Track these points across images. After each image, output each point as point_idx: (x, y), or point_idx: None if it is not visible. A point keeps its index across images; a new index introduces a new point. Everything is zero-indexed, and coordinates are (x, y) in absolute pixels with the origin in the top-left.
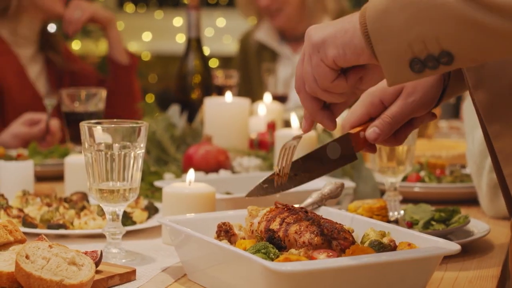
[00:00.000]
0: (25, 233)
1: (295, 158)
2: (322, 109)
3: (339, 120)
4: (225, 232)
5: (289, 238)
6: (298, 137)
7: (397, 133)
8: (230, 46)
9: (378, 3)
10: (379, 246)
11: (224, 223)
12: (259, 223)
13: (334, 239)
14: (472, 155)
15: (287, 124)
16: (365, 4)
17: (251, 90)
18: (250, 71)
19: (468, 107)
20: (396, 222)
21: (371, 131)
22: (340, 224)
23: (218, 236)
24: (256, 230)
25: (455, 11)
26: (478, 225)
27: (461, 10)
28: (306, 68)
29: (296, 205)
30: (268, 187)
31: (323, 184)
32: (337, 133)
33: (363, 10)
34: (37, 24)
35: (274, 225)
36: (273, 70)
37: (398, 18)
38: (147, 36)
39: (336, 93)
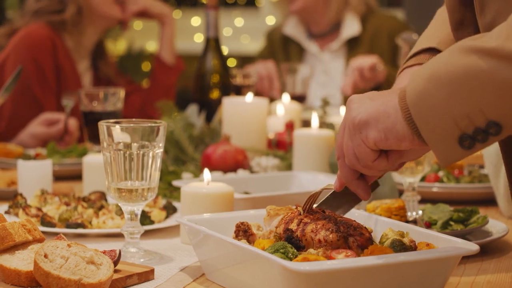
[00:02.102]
0: (43, 232)
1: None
2: (358, 178)
3: None
4: (244, 232)
5: (306, 237)
6: (326, 189)
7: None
8: (248, 45)
9: (416, 85)
10: (401, 247)
11: (242, 223)
12: (276, 227)
13: (351, 236)
14: (489, 155)
15: (305, 123)
16: (403, 86)
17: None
18: (276, 66)
19: None
20: (414, 222)
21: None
22: (357, 222)
23: (237, 236)
24: (276, 233)
25: (492, 77)
26: (496, 226)
27: (497, 75)
28: (347, 143)
29: (314, 205)
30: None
31: None
32: None
33: (402, 94)
34: (98, 34)
35: (292, 226)
36: (293, 70)
37: (438, 97)
38: None
39: (375, 170)
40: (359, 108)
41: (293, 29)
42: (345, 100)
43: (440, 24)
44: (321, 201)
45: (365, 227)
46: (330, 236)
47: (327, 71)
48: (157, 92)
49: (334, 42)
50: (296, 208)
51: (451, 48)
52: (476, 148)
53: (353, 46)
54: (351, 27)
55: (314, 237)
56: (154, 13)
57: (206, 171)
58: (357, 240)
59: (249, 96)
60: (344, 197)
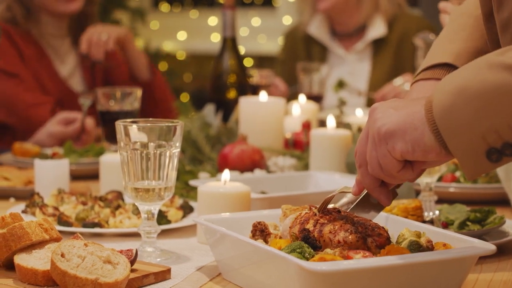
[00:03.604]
0: (60, 232)
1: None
2: (380, 185)
3: None
4: (261, 232)
5: (324, 238)
6: (343, 193)
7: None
8: (265, 45)
9: (444, 99)
10: (417, 248)
11: (259, 223)
12: (290, 227)
13: (369, 236)
14: None
15: (322, 123)
16: (428, 96)
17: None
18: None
19: None
20: (431, 222)
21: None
22: (374, 222)
23: (253, 235)
24: (291, 235)
25: None
26: None
27: None
28: (372, 153)
29: (330, 206)
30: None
31: None
32: None
33: (428, 106)
34: (60, 21)
35: (309, 227)
36: (309, 70)
37: (467, 111)
38: (182, 36)
39: (400, 179)
40: (384, 118)
41: (317, 29)
42: (367, 103)
43: (454, 34)
44: (341, 204)
45: (383, 227)
46: (350, 237)
47: (353, 72)
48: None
49: (359, 42)
50: (310, 208)
51: (478, 62)
52: (503, 161)
53: (379, 47)
54: (377, 28)
55: (333, 238)
56: (121, 37)
57: (226, 171)
58: (376, 240)
59: (266, 96)
60: (367, 205)
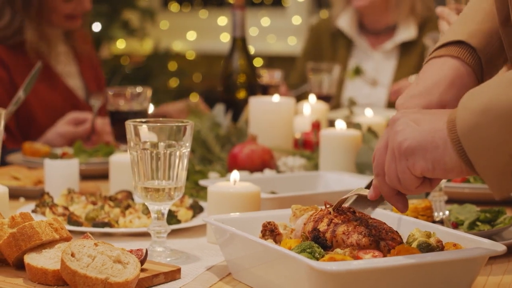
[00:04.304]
0: (70, 231)
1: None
2: (397, 194)
3: None
4: (270, 232)
5: (337, 239)
6: (359, 195)
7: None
8: (275, 45)
9: (468, 118)
10: (427, 248)
11: (269, 223)
12: (305, 224)
13: (382, 240)
14: None
15: (331, 123)
16: (451, 115)
17: None
18: (322, 60)
19: None
20: (441, 222)
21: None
22: (388, 225)
23: (263, 236)
24: (303, 231)
25: None
26: None
27: None
28: (391, 166)
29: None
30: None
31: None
32: None
33: (451, 124)
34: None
35: (322, 226)
36: (318, 70)
37: (492, 131)
38: (191, 35)
39: (416, 192)
40: (405, 133)
41: (345, 23)
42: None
43: (467, 17)
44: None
45: (396, 231)
46: (363, 240)
47: (378, 69)
48: None
49: (388, 42)
50: (325, 206)
51: (500, 80)
52: None
53: (407, 49)
54: (407, 30)
55: (346, 240)
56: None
57: (235, 172)
58: (389, 244)
59: (276, 96)
60: (365, 200)
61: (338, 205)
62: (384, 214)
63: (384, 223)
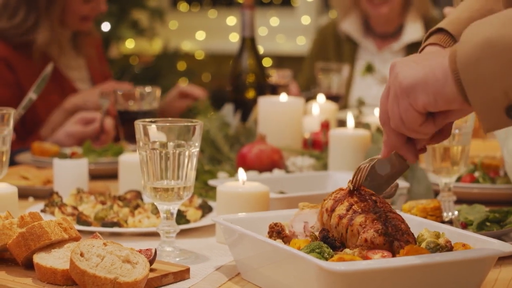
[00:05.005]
0: (79, 231)
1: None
2: (406, 142)
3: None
4: (277, 233)
5: (353, 228)
6: (372, 159)
7: (442, 127)
8: (284, 45)
9: (469, 50)
10: (436, 248)
11: (276, 224)
12: (325, 200)
13: (397, 240)
14: (510, 166)
15: (340, 123)
16: (453, 47)
17: None
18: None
19: None
20: (450, 222)
21: None
22: (406, 224)
23: (270, 237)
24: (322, 207)
25: None
26: None
27: None
28: (393, 108)
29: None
30: None
31: None
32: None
33: (453, 55)
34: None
35: (341, 209)
36: (327, 70)
37: (492, 65)
38: (200, 35)
39: (422, 133)
40: (404, 71)
41: (350, 26)
42: None
43: (455, 10)
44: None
45: (412, 234)
46: (378, 239)
47: (386, 68)
48: None
49: (395, 44)
50: (348, 185)
51: (505, 14)
52: None
53: (414, 50)
54: (415, 31)
55: (362, 233)
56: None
57: (241, 171)
58: (402, 246)
59: (285, 96)
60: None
61: (355, 179)
62: None
63: (402, 220)
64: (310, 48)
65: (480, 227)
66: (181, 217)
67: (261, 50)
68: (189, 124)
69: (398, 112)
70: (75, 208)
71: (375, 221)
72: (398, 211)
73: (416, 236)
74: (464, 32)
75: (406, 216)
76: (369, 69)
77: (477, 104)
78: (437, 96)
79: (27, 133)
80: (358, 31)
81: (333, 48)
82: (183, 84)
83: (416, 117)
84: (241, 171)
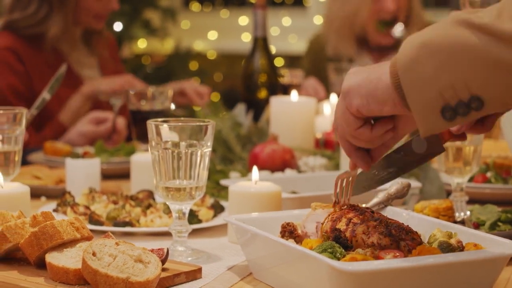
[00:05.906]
0: (91, 231)
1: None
2: (357, 149)
3: None
4: (290, 233)
5: (357, 239)
6: (347, 172)
7: (484, 119)
8: (296, 45)
9: (407, 52)
10: (448, 248)
11: (288, 224)
12: (322, 223)
13: (402, 240)
14: None
15: None
16: (395, 55)
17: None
18: (321, 73)
19: (507, 118)
20: (462, 223)
21: None
22: (407, 225)
23: (282, 236)
24: (321, 230)
25: (479, 52)
26: None
27: (485, 51)
28: (336, 112)
29: (363, 205)
30: (355, 186)
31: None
32: None
33: (394, 60)
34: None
35: (341, 225)
36: (340, 70)
37: (427, 65)
38: (212, 35)
39: (361, 140)
40: (348, 79)
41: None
42: None
43: None
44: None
45: (416, 232)
46: (384, 240)
47: None
48: None
49: (392, 56)
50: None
51: (446, 19)
52: (456, 121)
53: None
54: None
55: (367, 240)
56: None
57: (254, 169)
58: (409, 245)
59: (296, 96)
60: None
61: (344, 195)
62: (406, 215)
63: (403, 223)
64: (304, 58)
65: (492, 227)
66: (193, 217)
67: (273, 50)
68: (201, 124)
69: (339, 116)
70: (87, 207)
71: (377, 227)
72: (410, 211)
73: (428, 236)
74: (404, 41)
75: (418, 216)
76: (385, 24)
77: (414, 106)
78: (369, 98)
79: (41, 124)
80: (352, 49)
81: (325, 59)
82: (188, 83)
83: (352, 120)
84: (255, 169)
